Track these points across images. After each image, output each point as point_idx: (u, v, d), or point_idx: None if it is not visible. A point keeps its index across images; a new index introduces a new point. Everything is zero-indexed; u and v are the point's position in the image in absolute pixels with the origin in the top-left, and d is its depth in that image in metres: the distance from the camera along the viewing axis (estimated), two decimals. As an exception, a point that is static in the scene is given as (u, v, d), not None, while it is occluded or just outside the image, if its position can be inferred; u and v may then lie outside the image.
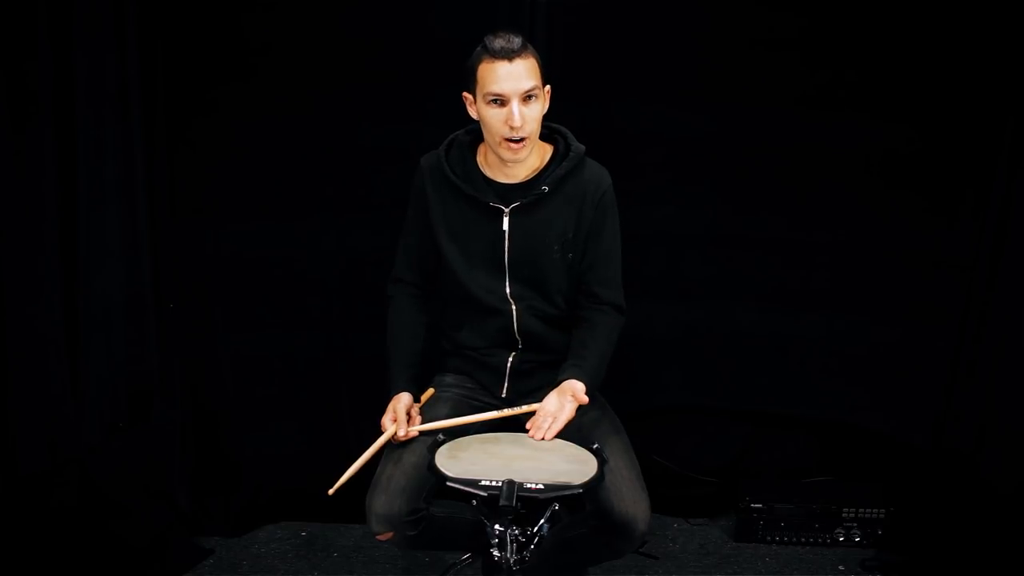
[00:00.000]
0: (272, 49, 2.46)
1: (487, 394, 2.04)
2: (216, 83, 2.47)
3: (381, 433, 1.86)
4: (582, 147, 1.92)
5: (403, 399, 1.89)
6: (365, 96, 2.48)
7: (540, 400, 1.90)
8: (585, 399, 1.83)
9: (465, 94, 1.85)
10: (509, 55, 1.73)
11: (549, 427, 1.77)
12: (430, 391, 2.02)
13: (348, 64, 2.46)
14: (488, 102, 1.78)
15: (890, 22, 2.41)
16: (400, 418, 1.84)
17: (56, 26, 2.20)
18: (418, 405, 1.94)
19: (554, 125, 1.96)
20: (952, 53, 2.39)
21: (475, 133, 1.93)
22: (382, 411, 1.98)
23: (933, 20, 2.38)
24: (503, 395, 2.02)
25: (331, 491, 1.78)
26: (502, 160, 1.86)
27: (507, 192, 1.89)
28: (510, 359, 2.00)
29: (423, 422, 1.88)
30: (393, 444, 1.85)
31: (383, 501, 1.76)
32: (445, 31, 2.41)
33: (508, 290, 1.94)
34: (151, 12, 2.37)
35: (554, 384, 1.91)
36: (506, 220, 1.89)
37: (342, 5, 2.44)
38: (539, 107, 1.80)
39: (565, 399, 1.83)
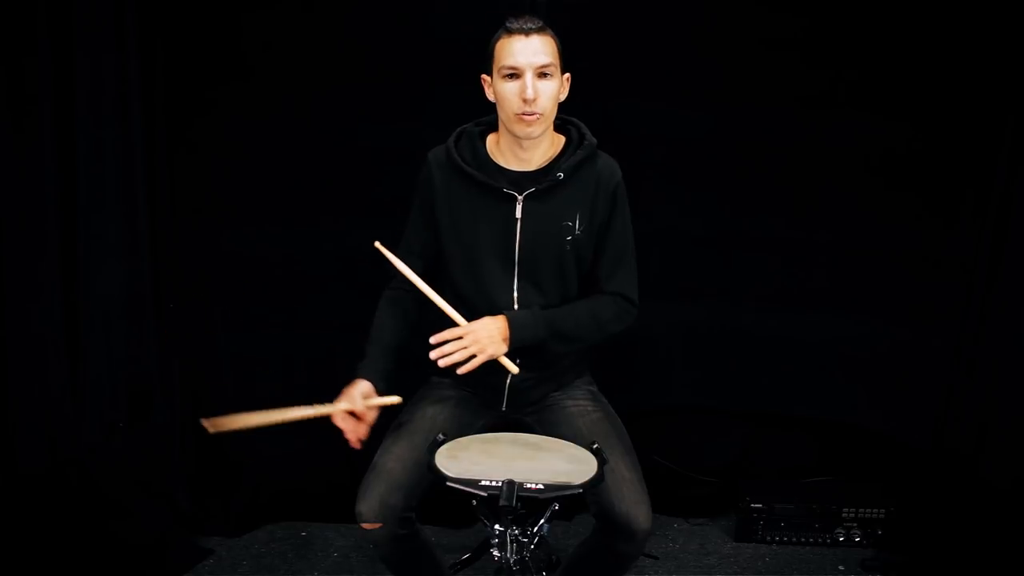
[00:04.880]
0: (271, 49, 2.47)
1: (486, 405, 2.01)
2: (216, 83, 2.47)
3: (381, 436, 1.86)
4: (595, 139, 1.91)
5: (362, 386, 1.83)
6: (365, 96, 2.48)
7: (542, 412, 1.93)
8: (504, 340, 1.78)
9: (483, 76, 1.85)
10: (526, 31, 1.75)
11: (459, 350, 1.72)
12: (397, 399, 1.85)
13: (348, 64, 2.46)
14: (503, 76, 1.78)
15: (890, 22, 2.41)
16: (354, 402, 1.79)
17: (56, 26, 2.20)
18: (374, 398, 1.82)
19: (567, 117, 1.95)
20: (952, 53, 2.39)
21: (484, 124, 1.93)
22: (381, 411, 1.97)
23: (933, 20, 2.38)
24: (503, 408, 1.99)
25: (210, 424, 1.70)
26: (516, 142, 1.83)
27: (520, 179, 1.86)
28: (509, 377, 1.93)
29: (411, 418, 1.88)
30: (393, 438, 1.85)
31: (381, 491, 1.74)
32: (445, 31, 2.42)
33: (515, 284, 1.88)
34: (151, 12, 2.38)
35: (555, 397, 1.96)
36: (519, 207, 1.85)
37: (342, 5, 2.44)
38: (554, 86, 1.78)
39: (494, 324, 1.78)
